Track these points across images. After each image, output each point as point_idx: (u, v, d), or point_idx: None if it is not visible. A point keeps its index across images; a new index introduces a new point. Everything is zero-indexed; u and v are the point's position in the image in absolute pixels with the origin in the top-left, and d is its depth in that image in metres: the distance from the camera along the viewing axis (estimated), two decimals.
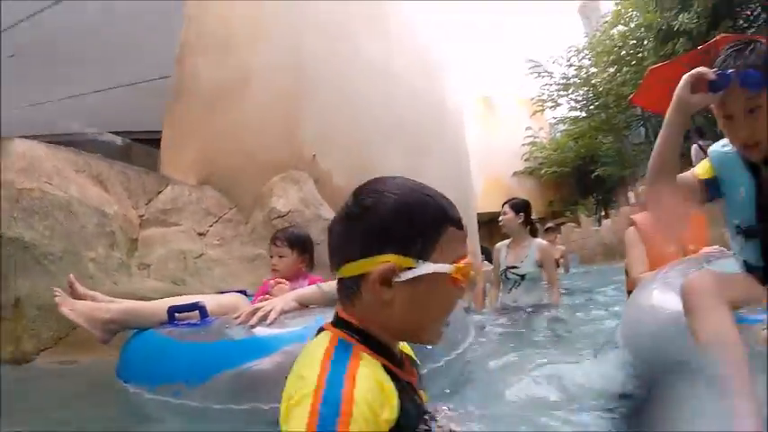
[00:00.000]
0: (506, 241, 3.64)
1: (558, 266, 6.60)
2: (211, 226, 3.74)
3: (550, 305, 3.32)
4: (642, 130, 10.99)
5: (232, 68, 4.74)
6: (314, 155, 4.53)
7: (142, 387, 1.54)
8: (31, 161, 2.96)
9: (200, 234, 3.58)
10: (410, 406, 0.68)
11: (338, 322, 0.72)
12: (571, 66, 12.04)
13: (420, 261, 0.67)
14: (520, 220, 3.48)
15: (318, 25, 4.98)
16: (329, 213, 3.79)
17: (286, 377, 0.69)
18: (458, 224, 0.73)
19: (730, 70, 1.20)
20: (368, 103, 5.33)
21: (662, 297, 1.52)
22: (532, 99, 13.33)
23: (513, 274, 3.43)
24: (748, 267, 1.38)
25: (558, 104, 12.89)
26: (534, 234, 3.71)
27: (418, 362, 0.84)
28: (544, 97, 12.90)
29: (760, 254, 1.33)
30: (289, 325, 1.52)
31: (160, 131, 5.03)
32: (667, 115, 1.33)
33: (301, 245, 2.24)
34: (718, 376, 1.10)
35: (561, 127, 13.86)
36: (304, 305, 1.69)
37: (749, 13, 7.87)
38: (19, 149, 3.00)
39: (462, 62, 10.49)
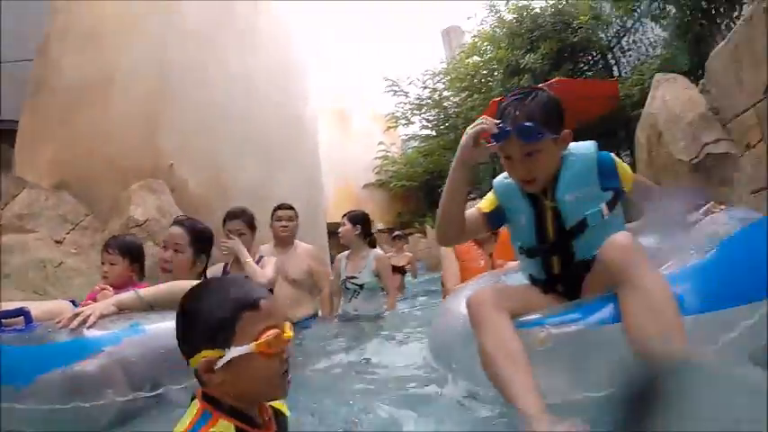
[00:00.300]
0: (346, 252, 3.82)
1: (406, 273, 7.11)
2: (68, 233, 3.65)
3: (387, 312, 3.57)
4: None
5: (97, 67, 4.55)
6: (171, 163, 4.32)
7: None
8: None
9: (57, 242, 3.52)
10: None
11: (204, 395, 0.89)
12: (426, 88, 12.87)
13: (227, 349, 0.84)
14: (357, 232, 3.69)
15: (186, 33, 4.84)
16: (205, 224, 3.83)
17: (107, 376, 0.95)
18: (253, 306, 0.88)
19: (508, 127, 1.38)
20: (227, 114, 5.25)
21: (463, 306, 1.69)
22: (387, 115, 13.93)
23: (353, 283, 3.61)
24: (532, 280, 1.61)
25: (411, 122, 13.68)
26: (373, 245, 3.88)
27: (287, 414, 1.03)
28: (398, 114, 13.59)
29: (541, 269, 1.55)
30: (108, 328, 1.65)
31: (11, 121, 4.47)
32: (453, 167, 1.53)
33: (132, 253, 2.32)
34: (500, 380, 1.25)
35: (412, 143, 14.71)
36: (123, 310, 1.80)
37: (590, 57, 8.99)
38: None
39: (321, 73, 10.71)
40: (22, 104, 4.62)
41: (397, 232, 7.79)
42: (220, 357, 0.84)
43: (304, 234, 3.85)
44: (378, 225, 13.60)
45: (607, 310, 1.29)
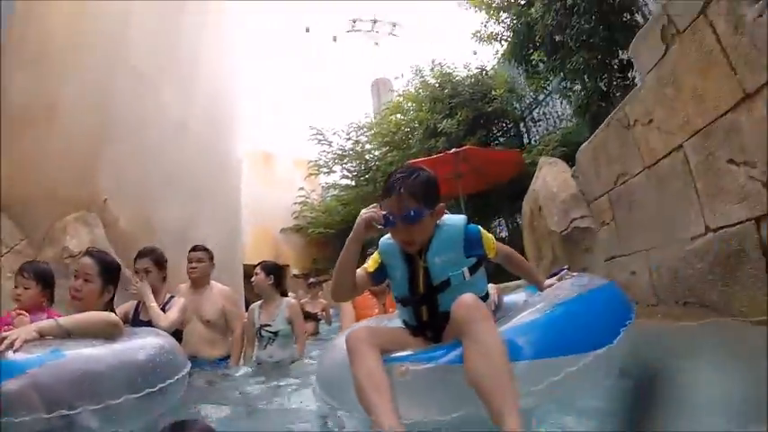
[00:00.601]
0: (259, 302, 3.96)
1: (321, 319, 7.33)
2: (2, 256, 3.78)
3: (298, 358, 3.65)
4: None
5: (42, 92, 4.58)
6: (105, 199, 4.52)
7: None
8: None
9: None
10: None
11: None
12: (349, 139, 13.52)
13: None
14: (270, 282, 3.83)
15: (130, 71, 5.07)
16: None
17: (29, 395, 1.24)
18: None
19: (392, 218, 1.70)
20: (161, 155, 5.57)
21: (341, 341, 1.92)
22: (309, 162, 14.40)
23: (267, 331, 3.74)
24: (405, 324, 1.91)
25: (333, 171, 14.21)
26: (284, 294, 4.04)
27: None
28: (321, 163, 14.12)
29: (412, 316, 1.85)
30: (32, 351, 1.80)
31: None
32: (348, 239, 1.83)
33: (46, 279, 2.51)
34: (366, 403, 1.48)
35: (332, 192, 15.13)
36: (44, 336, 1.96)
37: (504, 125, 9.86)
38: None
39: (250, 115, 11.10)
40: None
41: (312, 279, 8.03)
42: None
43: (221, 274, 3.98)
44: (293, 270, 13.83)
45: (454, 354, 1.58)
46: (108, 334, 2.12)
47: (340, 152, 13.72)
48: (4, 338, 1.79)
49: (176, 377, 2.21)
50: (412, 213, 1.68)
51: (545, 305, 1.78)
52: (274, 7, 18.01)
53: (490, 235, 1.88)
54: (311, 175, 14.70)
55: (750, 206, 1.99)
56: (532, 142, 8.96)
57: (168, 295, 3.20)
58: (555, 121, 8.39)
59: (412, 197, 1.69)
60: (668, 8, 2.40)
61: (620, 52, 5.66)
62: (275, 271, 3.96)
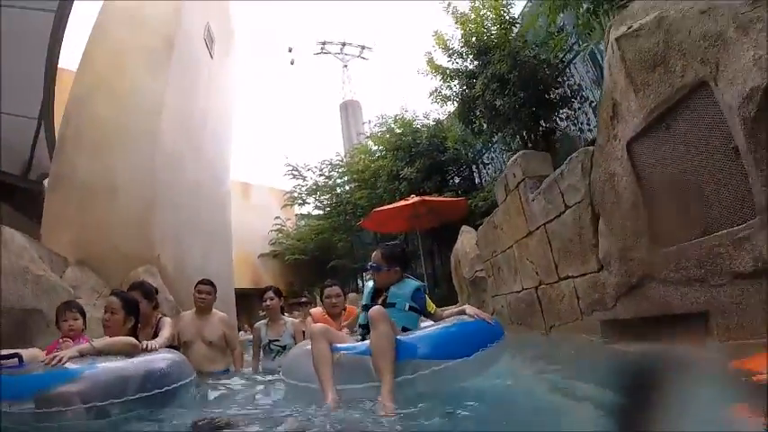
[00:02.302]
0: (263, 321, 4.81)
1: (305, 338, 9.21)
2: (97, 299, 5.33)
3: None
4: (372, 233, 14.32)
5: (103, 172, 6.62)
6: (158, 254, 6.75)
7: None
8: None
9: (94, 305, 4.99)
10: None
11: None
12: (322, 175, 15.76)
13: None
14: (280, 304, 4.79)
15: (162, 151, 7.24)
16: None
17: (71, 393, 2.26)
18: None
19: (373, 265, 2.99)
20: (185, 209, 7.85)
21: (307, 345, 2.88)
22: (285, 193, 16.58)
23: (276, 345, 4.57)
24: (360, 326, 2.98)
25: (306, 203, 16.44)
26: (283, 313, 4.92)
27: None
28: (295, 195, 16.30)
29: (365, 320, 2.84)
30: (76, 364, 2.61)
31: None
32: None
33: (83, 314, 3.34)
34: (318, 374, 2.48)
35: (306, 221, 17.30)
36: (82, 355, 2.73)
37: (457, 168, 11.69)
38: None
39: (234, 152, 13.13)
40: (46, 192, 6.76)
41: (302, 300, 9.81)
42: None
43: (218, 300, 4.83)
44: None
45: (367, 348, 2.56)
46: (128, 352, 2.92)
47: (314, 186, 15.93)
48: (55, 356, 2.61)
49: (182, 382, 3.00)
50: (376, 266, 3.04)
51: (438, 326, 2.89)
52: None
53: (431, 302, 3.10)
54: (286, 205, 16.93)
55: (533, 281, 4.49)
56: (483, 182, 10.89)
57: (159, 316, 3.86)
58: (501, 164, 10.05)
59: (382, 257, 3.03)
60: (509, 169, 4.91)
61: (541, 123, 7.78)
62: (281, 294, 4.90)
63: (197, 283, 4.61)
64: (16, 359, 2.70)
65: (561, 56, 7.66)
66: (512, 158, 4.93)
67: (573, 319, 3.75)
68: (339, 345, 2.78)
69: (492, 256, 5.62)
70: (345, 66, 31.22)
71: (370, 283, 3.29)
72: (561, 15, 6.31)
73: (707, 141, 2.20)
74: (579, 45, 6.83)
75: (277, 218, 17.38)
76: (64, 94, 7.22)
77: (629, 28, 2.65)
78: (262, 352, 4.69)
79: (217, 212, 9.97)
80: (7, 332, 3.90)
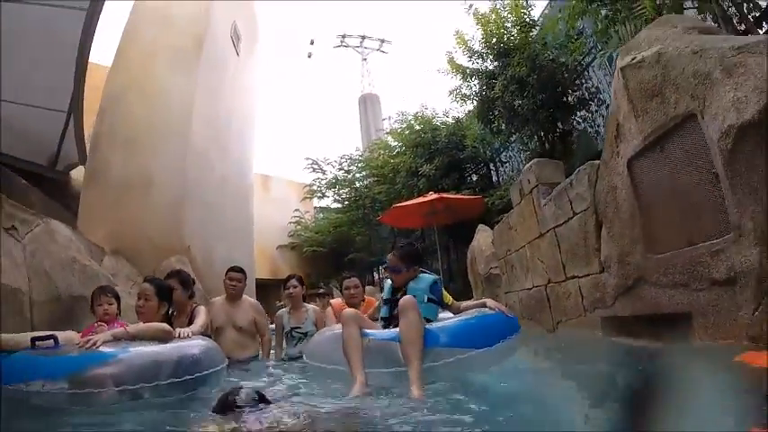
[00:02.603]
0: (285, 309, 5.00)
1: (325, 326, 9.69)
2: (132, 287, 5.76)
3: None
4: (389, 228, 14.67)
5: (137, 169, 7.15)
6: (189, 245, 7.25)
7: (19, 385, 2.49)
8: None
9: (129, 293, 5.40)
10: None
11: None
12: (341, 169, 16.24)
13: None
14: (303, 292, 5.04)
15: (193, 149, 7.72)
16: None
17: (104, 375, 2.39)
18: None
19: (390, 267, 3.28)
20: (212, 204, 8.36)
21: (334, 330, 3.24)
22: (304, 186, 17.11)
23: (298, 332, 4.74)
24: (382, 318, 3.26)
25: (326, 196, 16.97)
26: (304, 301, 5.13)
27: None
28: (314, 188, 16.84)
29: (387, 311, 3.23)
30: (108, 348, 2.69)
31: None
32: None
33: (118, 299, 3.52)
34: (347, 357, 2.70)
35: (324, 213, 17.87)
36: (117, 339, 2.84)
37: (475, 165, 12.06)
38: None
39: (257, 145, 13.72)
40: (82, 187, 7.24)
41: (321, 290, 9.90)
42: None
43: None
44: None
45: (395, 335, 2.77)
46: (161, 338, 2.98)
47: (333, 181, 16.44)
48: (89, 339, 2.73)
49: (214, 369, 3.09)
50: (395, 269, 3.28)
51: (458, 317, 3.19)
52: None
53: (447, 294, 3.37)
54: (306, 198, 17.52)
55: (543, 279, 4.88)
56: (501, 180, 11.21)
57: (194, 305, 3.95)
58: (518, 163, 10.33)
59: (399, 259, 3.27)
60: (524, 175, 5.28)
61: (558, 125, 8.14)
62: (303, 283, 5.13)
63: (228, 271, 4.77)
64: (52, 340, 2.86)
65: (580, 59, 7.88)
66: (527, 165, 5.29)
67: (577, 315, 4.13)
68: (368, 330, 2.94)
69: (506, 255, 6.01)
70: (365, 59, 31.79)
71: (389, 281, 3.48)
72: (580, 21, 6.55)
73: (694, 165, 2.56)
74: (597, 48, 7.00)
75: (296, 210, 17.92)
76: (93, 89, 7.65)
77: (633, 59, 3.01)
78: (285, 339, 4.83)
79: (241, 206, 10.50)
80: (59, 318, 4.12)
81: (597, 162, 3.67)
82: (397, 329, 2.82)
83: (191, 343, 3.12)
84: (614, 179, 3.34)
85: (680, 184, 2.70)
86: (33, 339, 2.84)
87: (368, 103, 29.24)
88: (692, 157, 2.58)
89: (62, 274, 4.56)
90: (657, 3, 4.61)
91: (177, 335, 3.13)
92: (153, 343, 2.91)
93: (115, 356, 2.68)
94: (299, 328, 4.75)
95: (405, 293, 3.17)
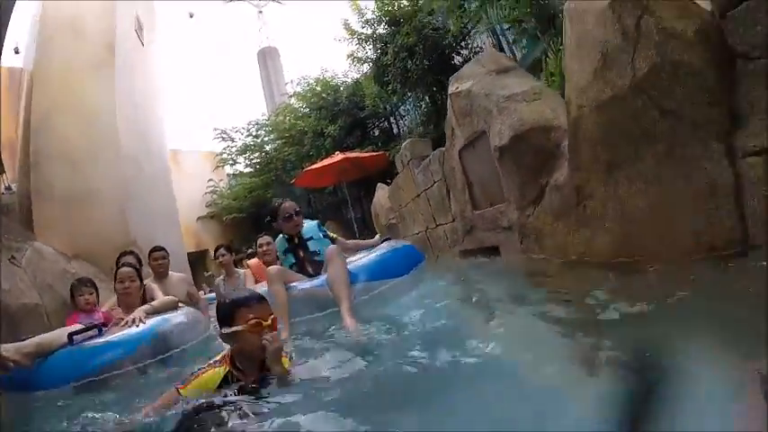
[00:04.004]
0: (221, 276, 5.59)
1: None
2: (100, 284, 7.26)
3: None
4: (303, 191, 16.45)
5: (76, 181, 8.31)
6: (135, 239, 8.67)
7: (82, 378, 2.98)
8: None
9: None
10: (227, 388, 1.87)
11: (231, 353, 1.98)
12: (249, 135, 17.46)
13: (228, 327, 1.93)
14: (233, 258, 5.67)
15: (120, 153, 8.96)
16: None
17: (158, 347, 3.29)
18: (246, 304, 1.95)
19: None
20: (148, 199, 9.69)
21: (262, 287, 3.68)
22: (215, 156, 18.28)
23: None
24: (291, 266, 3.92)
25: (237, 163, 18.26)
26: (236, 266, 5.76)
27: (286, 372, 1.95)
28: (225, 156, 18.09)
29: (292, 258, 3.96)
30: (147, 324, 3.38)
31: None
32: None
33: (97, 289, 4.16)
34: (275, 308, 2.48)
35: (238, 180, 19.01)
36: (148, 314, 3.50)
37: (376, 121, 13.38)
38: None
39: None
40: (33, 203, 8.36)
41: (250, 251, 10.70)
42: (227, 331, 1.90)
43: (173, 264, 5.40)
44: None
45: (320, 282, 3.39)
46: (173, 309, 3.81)
47: (243, 147, 17.69)
48: (132, 318, 3.39)
49: (205, 335, 3.91)
50: (299, 211, 4.08)
51: (371, 254, 3.89)
52: None
53: (331, 234, 4.26)
54: (218, 167, 18.72)
55: (423, 226, 6.92)
56: (401, 133, 12.52)
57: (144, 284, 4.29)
58: (416, 116, 11.49)
59: (298, 207, 4.12)
60: (403, 150, 7.20)
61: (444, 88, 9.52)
62: (231, 249, 5.78)
63: (150, 252, 5.15)
64: (96, 330, 3.32)
65: (465, 23, 8.57)
66: (404, 144, 7.23)
67: (446, 250, 6.21)
68: (296, 283, 3.54)
69: (400, 208, 8.02)
70: (260, 11, 31.73)
71: (280, 236, 4.14)
72: None
73: (489, 160, 4.48)
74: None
75: (210, 180, 19.17)
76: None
77: (456, 88, 4.87)
78: None
79: (165, 190, 11.83)
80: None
81: (443, 149, 5.62)
82: (320, 278, 3.49)
83: (191, 311, 4.09)
84: (452, 162, 5.31)
85: (484, 170, 4.68)
86: (71, 335, 3.17)
87: (267, 58, 29.72)
88: (487, 155, 4.50)
89: (61, 283, 5.80)
90: None
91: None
92: (171, 313, 3.75)
93: (161, 327, 3.46)
94: None
95: (301, 239, 4.00)
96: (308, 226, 4.13)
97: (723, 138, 2.33)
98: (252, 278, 5.13)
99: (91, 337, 3.25)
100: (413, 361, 2.05)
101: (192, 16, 28.89)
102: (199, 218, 18.97)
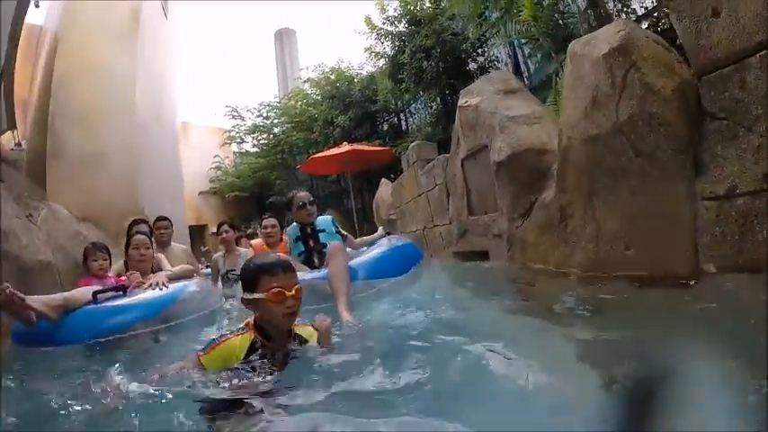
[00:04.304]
0: (220, 253, 5.60)
1: None
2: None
3: None
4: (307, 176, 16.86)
5: (89, 144, 8.67)
6: (143, 207, 9.07)
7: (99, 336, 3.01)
8: None
9: None
10: (255, 357, 1.78)
11: (254, 320, 1.92)
12: (260, 116, 17.81)
13: (250, 293, 1.86)
14: (235, 236, 5.74)
15: (136, 121, 9.31)
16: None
17: (178, 311, 3.40)
18: (270, 271, 1.88)
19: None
20: (157, 168, 10.09)
21: None
22: (224, 132, 18.59)
23: (234, 275, 5.17)
24: (299, 256, 4.14)
25: (245, 141, 18.63)
26: (237, 243, 5.90)
27: (307, 340, 1.98)
28: (234, 134, 18.41)
29: (303, 248, 4.19)
30: (170, 289, 3.55)
31: None
32: None
33: (110, 254, 4.15)
34: (333, 282, 3.25)
35: (244, 159, 19.31)
36: (170, 279, 3.67)
37: (386, 116, 13.81)
38: None
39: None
40: (47, 163, 8.68)
41: (249, 231, 10.92)
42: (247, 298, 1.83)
43: (174, 235, 5.55)
44: (212, 228, 18.31)
45: (322, 275, 3.41)
46: (191, 276, 4.15)
47: (252, 127, 18.02)
48: (156, 282, 3.56)
49: (217, 306, 4.08)
50: (313, 201, 4.31)
51: (372, 251, 4.04)
52: None
53: (343, 231, 4.52)
54: (225, 143, 19.05)
55: (421, 225, 7.35)
56: (410, 129, 13.02)
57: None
58: (426, 115, 12.08)
59: (312, 198, 4.34)
60: (410, 151, 7.62)
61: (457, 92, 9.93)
62: (234, 227, 5.83)
63: (155, 221, 5.34)
64: (121, 291, 3.44)
65: (483, 31, 8.82)
66: (411, 145, 7.64)
67: (440, 250, 6.64)
68: (299, 273, 2.83)
69: (401, 205, 8.46)
70: None
71: (294, 223, 4.30)
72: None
73: (488, 172, 4.89)
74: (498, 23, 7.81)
75: (216, 156, 19.46)
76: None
77: (465, 102, 5.27)
78: (221, 281, 5.35)
79: (173, 160, 12.21)
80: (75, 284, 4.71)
81: (447, 155, 6.04)
82: (322, 271, 3.57)
83: (205, 281, 4.51)
84: (454, 169, 5.73)
85: (482, 180, 5.10)
86: (95, 293, 3.28)
87: (284, 39, 29.92)
88: (487, 167, 4.92)
89: (73, 244, 6.13)
90: (534, 13, 6.16)
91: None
92: (187, 280, 4.00)
93: (182, 293, 3.63)
94: (234, 270, 5.26)
95: (313, 230, 4.21)
96: (323, 219, 4.37)
97: (686, 182, 2.74)
98: (251, 251, 5.20)
99: (114, 297, 3.35)
100: (390, 353, 2.12)
101: None
102: (201, 192, 19.28)
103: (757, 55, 2.29)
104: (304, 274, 3.53)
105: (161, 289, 3.54)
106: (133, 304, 3.31)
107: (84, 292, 3.30)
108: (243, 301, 1.94)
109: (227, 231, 5.56)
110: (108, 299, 3.32)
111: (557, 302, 2.82)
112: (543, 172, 4.00)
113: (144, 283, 3.67)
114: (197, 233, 17.31)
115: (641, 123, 2.81)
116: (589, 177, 3.25)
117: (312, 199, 4.33)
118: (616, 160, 2.99)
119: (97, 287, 3.42)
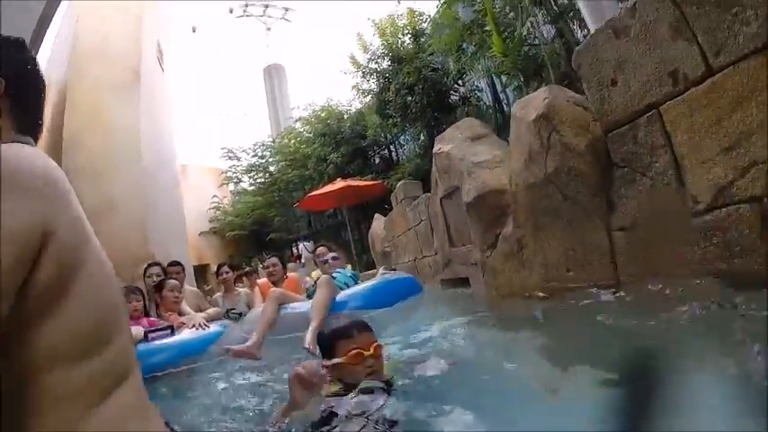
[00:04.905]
0: (220, 293, 5.92)
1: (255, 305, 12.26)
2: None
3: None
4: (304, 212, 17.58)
5: (102, 197, 9.54)
6: (153, 252, 9.92)
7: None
8: None
9: None
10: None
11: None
12: (255, 156, 18.69)
13: (329, 360, 1.94)
14: (234, 276, 6.09)
15: (142, 170, 10.23)
16: None
17: (219, 349, 3.98)
18: (345, 335, 1.96)
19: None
20: (163, 213, 10.96)
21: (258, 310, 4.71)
22: (221, 173, 19.48)
23: (233, 313, 5.49)
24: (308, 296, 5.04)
25: (242, 181, 19.57)
26: (238, 282, 6.46)
27: (392, 381, 1.92)
28: (231, 175, 19.35)
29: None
30: (211, 329, 4.24)
31: None
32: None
33: (144, 298, 4.70)
34: (260, 326, 4.04)
35: (241, 198, 20.16)
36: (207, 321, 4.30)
37: (377, 149, 14.60)
38: None
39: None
40: None
41: (247, 269, 10.94)
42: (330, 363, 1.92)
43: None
44: (214, 267, 19.09)
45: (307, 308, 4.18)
46: (218, 318, 4.77)
47: (248, 166, 18.91)
48: (199, 323, 4.15)
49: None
50: (338, 256, 5.66)
51: (367, 284, 4.92)
52: None
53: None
54: (223, 184, 19.95)
55: (412, 256, 8.22)
56: (400, 160, 13.82)
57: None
58: (415, 147, 12.85)
59: (334, 249, 5.71)
60: (397, 190, 8.55)
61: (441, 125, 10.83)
62: (233, 268, 6.23)
63: (168, 265, 5.63)
64: (168, 330, 3.86)
65: (462, 63, 9.27)
66: (398, 185, 8.57)
67: (430, 278, 7.49)
68: (293, 304, 4.27)
69: (393, 238, 9.31)
70: (269, 29, 32.87)
71: (316, 271, 4.97)
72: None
73: (462, 209, 5.72)
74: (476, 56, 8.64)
75: (214, 196, 20.30)
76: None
77: (439, 149, 6.18)
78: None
79: (175, 203, 13.06)
80: None
81: (429, 194, 6.94)
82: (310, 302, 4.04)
83: (231, 323, 4.99)
84: (435, 207, 6.62)
85: (459, 216, 5.96)
86: (147, 332, 3.75)
87: (273, 75, 30.80)
88: (461, 205, 5.75)
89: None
90: (503, 50, 6.90)
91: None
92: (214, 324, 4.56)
93: (221, 333, 4.19)
94: (234, 309, 5.57)
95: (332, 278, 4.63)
96: (343, 274, 4.90)
97: (602, 218, 3.61)
98: (260, 297, 5.50)
99: (163, 336, 3.85)
100: None
101: (194, 31, 29.94)
102: (201, 232, 20.07)
103: (644, 116, 3.10)
104: (297, 305, 4.32)
105: (203, 329, 4.12)
106: (183, 342, 3.89)
107: (135, 331, 3.63)
108: (324, 368, 1.97)
109: (226, 272, 5.91)
110: (157, 338, 3.86)
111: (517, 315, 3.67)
112: (504, 209, 4.86)
113: (185, 324, 4.19)
114: (199, 272, 18.08)
115: (564, 174, 3.70)
116: (533, 216, 4.13)
117: (335, 255, 5.07)
118: (550, 203, 3.87)
119: (139, 328, 3.93)
